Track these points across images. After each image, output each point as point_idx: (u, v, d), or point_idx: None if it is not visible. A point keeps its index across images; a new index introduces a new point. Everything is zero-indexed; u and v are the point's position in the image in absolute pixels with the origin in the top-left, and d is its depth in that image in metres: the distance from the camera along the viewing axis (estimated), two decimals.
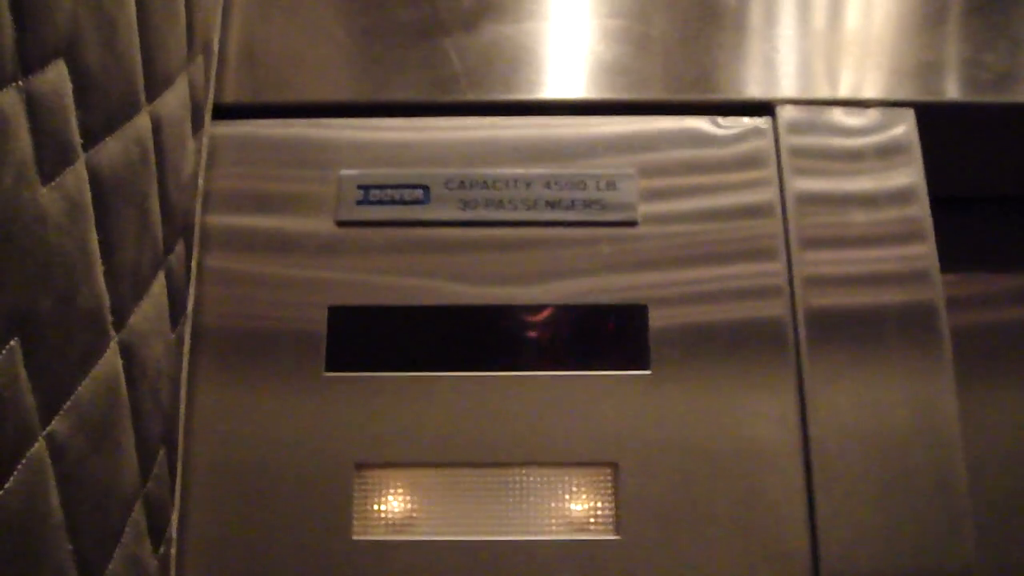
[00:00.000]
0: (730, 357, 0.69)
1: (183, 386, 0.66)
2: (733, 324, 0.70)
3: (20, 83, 0.39)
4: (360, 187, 0.73)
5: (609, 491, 0.67)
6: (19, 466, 0.39)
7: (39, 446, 0.41)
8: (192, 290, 0.68)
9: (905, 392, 0.68)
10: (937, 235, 0.72)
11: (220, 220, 0.72)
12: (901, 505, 0.66)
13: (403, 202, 0.72)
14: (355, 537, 0.65)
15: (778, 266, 0.71)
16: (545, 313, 0.70)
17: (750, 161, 0.74)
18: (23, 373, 0.39)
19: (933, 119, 0.76)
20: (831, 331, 0.70)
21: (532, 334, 0.70)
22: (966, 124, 0.79)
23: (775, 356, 0.69)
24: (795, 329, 0.70)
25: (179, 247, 0.64)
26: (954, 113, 0.78)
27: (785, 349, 0.70)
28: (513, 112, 0.76)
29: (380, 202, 0.72)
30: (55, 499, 0.42)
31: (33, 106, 0.40)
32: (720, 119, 0.76)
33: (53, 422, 0.42)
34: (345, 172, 0.73)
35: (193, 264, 0.69)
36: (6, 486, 0.37)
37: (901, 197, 0.73)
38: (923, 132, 0.75)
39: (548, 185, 0.73)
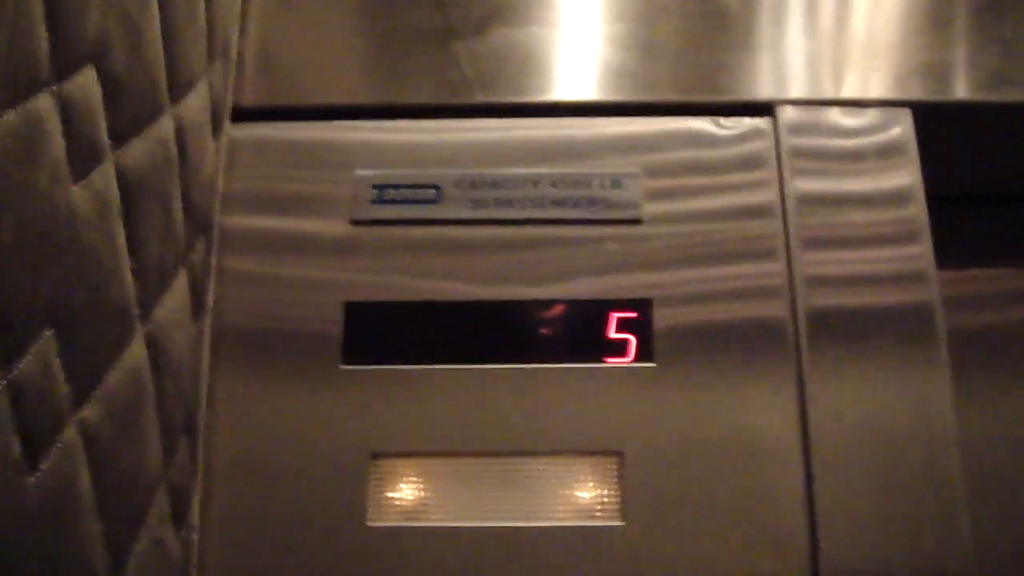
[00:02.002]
0: (732, 353, 0.70)
1: (204, 381, 0.68)
2: (735, 323, 0.71)
3: (54, 88, 0.41)
4: (374, 187, 0.74)
5: (615, 479, 0.68)
6: (53, 449, 0.41)
7: (71, 431, 0.43)
8: (212, 286, 0.70)
9: (902, 390, 0.69)
10: (934, 233, 0.73)
11: (239, 221, 0.73)
12: (898, 498, 0.67)
13: (416, 201, 0.74)
14: (370, 523, 0.67)
15: (779, 266, 0.72)
16: (553, 308, 0.72)
17: (751, 162, 0.76)
18: (57, 362, 0.41)
19: (930, 118, 0.77)
20: (830, 330, 0.70)
21: (541, 328, 0.72)
22: (962, 123, 0.80)
23: (776, 353, 0.70)
24: (795, 328, 0.71)
25: (200, 244, 0.66)
26: (950, 112, 0.78)
27: (786, 347, 0.70)
28: (522, 114, 0.78)
29: (394, 201, 0.74)
30: (85, 481, 0.44)
31: (65, 110, 0.42)
32: (722, 120, 0.77)
33: (84, 408, 0.44)
34: (360, 172, 0.75)
35: (213, 261, 0.71)
36: (41, 467, 0.39)
37: (898, 198, 0.74)
38: (921, 132, 0.76)
39: (554, 184, 0.74)
